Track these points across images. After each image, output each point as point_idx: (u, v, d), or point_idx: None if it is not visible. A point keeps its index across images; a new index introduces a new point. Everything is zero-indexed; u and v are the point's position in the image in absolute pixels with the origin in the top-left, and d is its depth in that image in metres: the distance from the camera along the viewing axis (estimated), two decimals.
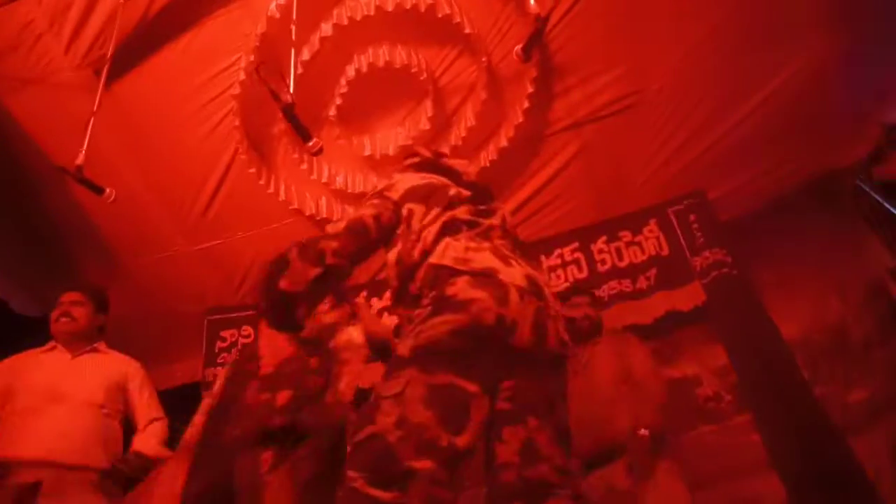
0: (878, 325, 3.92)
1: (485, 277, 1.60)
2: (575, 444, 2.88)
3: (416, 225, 1.83)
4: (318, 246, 1.84)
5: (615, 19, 3.41)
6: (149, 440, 2.78)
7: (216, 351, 4.61)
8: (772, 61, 3.55)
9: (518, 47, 2.97)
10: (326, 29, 3.31)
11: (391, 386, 1.53)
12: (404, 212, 1.88)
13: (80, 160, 2.92)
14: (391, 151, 3.84)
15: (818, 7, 3.37)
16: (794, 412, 3.42)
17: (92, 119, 3.04)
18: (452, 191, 1.96)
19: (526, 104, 3.59)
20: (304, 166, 3.87)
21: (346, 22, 3.26)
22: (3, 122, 3.55)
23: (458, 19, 3.23)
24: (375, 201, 1.92)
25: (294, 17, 2.99)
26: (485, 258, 1.67)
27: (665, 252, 4.07)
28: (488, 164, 3.86)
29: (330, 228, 1.89)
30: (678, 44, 3.53)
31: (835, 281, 4.06)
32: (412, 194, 1.92)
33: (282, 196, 3.97)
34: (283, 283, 1.88)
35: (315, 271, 1.83)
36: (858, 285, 4.04)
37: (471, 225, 1.84)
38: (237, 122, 3.62)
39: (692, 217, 4.06)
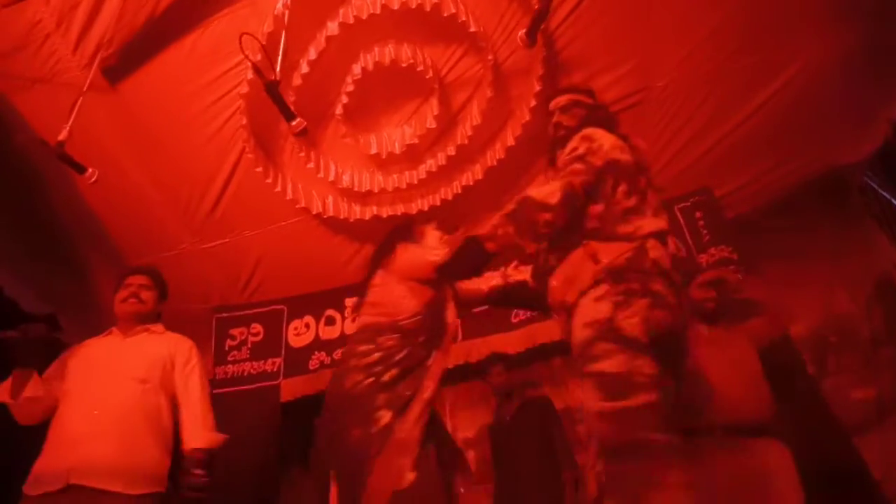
0: (886, 321, 3.91)
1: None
2: (723, 407, 2.86)
3: (621, 200, 2.07)
4: (533, 217, 2.04)
5: (620, 17, 3.41)
6: (197, 429, 2.74)
7: (226, 349, 4.64)
8: (778, 57, 3.55)
9: (522, 32, 2.96)
10: (333, 28, 3.31)
11: (647, 366, 1.80)
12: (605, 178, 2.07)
13: (62, 136, 2.96)
14: (397, 150, 3.85)
15: (825, 3, 3.36)
16: (801, 408, 3.42)
17: (80, 98, 3.09)
18: (643, 181, 2.16)
19: (533, 102, 3.59)
20: (311, 165, 3.88)
21: (352, 21, 3.27)
22: (12, 121, 3.58)
23: (463, 18, 3.24)
24: (579, 167, 2.07)
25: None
26: None
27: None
28: (495, 163, 3.87)
29: (540, 196, 2.04)
30: (684, 40, 3.53)
31: (842, 278, 4.05)
32: (615, 166, 2.10)
33: (289, 194, 3.99)
34: (489, 245, 2.13)
35: (527, 243, 2.09)
36: (866, 282, 4.03)
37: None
38: (244, 121, 3.64)
39: (698, 214, 4.06)
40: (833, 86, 3.64)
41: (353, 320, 2.74)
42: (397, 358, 2.39)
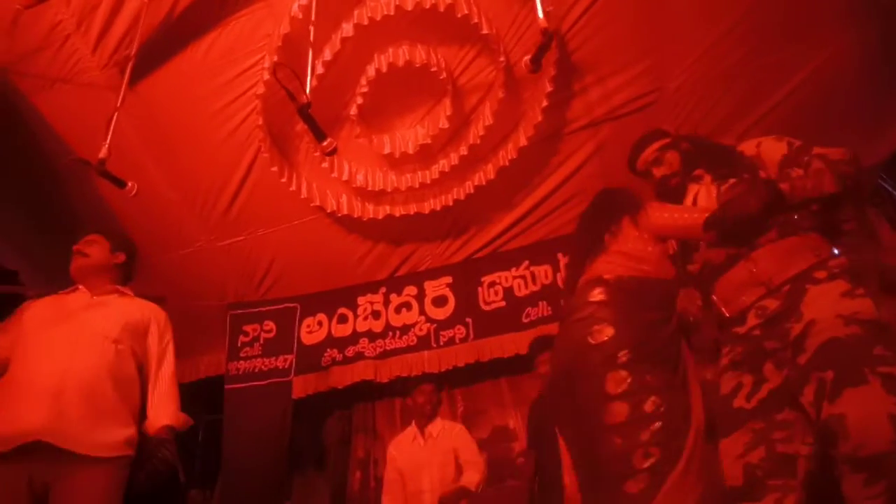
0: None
1: None
2: None
3: None
4: (841, 170, 1.98)
5: (633, 18, 3.41)
6: (168, 407, 2.58)
7: (239, 345, 4.70)
8: (791, 59, 3.53)
9: (527, 58, 2.98)
10: (347, 29, 3.34)
11: None
12: None
13: (102, 154, 2.96)
14: (410, 150, 3.88)
15: (840, 3, 3.34)
16: None
17: (115, 115, 3.08)
18: None
19: (544, 103, 3.61)
20: (326, 164, 3.92)
21: (366, 22, 3.30)
22: (33, 121, 3.64)
23: (476, 19, 3.26)
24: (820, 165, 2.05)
25: (313, 18, 3.03)
26: None
27: None
28: (507, 163, 3.89)
29: (834, 155, 2.00)
30: (696, 42, 3.52)
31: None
32: None
33: (303, 193, 4.03)
34: (784, 186, 2.00)
35: (832, 190, 1.97)
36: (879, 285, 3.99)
37: None
38: (260, 121, 3.68)
39: None
40: (848, 87, 3.61)
41: (584, 263, 2.39)
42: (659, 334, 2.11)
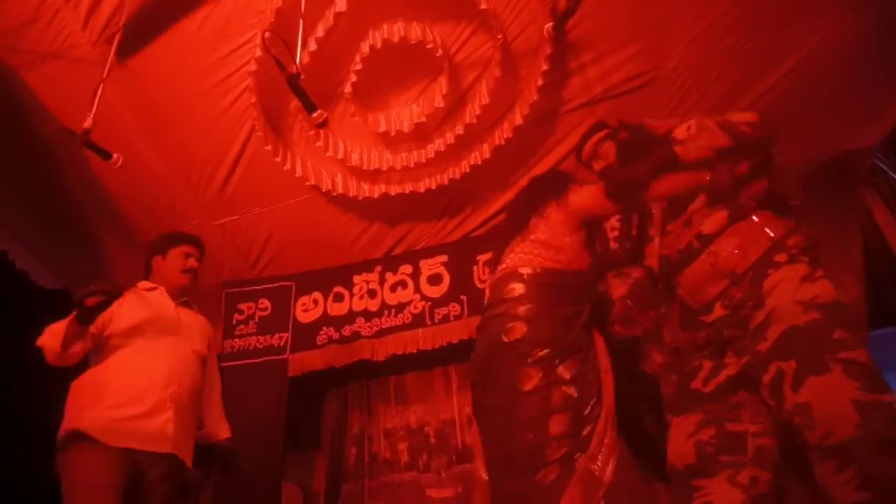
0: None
1: None
2: None
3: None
4: (735, 128, 2.09)
5: None
6: (223, 420, 3.09)
7: (234, 323, 4.70)
8: (789, 39, 3.50)
9: (548, 25, 2.95)
10: (341, 4, 3.28)
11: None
12: None
13: (87, 124, 2.95)
14: (406, 128, 3.85)
15: None
16: None
17: (101, 85, 3.07)
18: None
19: (541, 81, 3.57)
20: (320, 143, 3.89)
21: None
22: (24, 97, 3.59)
23: None
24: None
25: None
26: None
27: None
28: (503, 142, 3.87)
29: (738, 118, 2.13)
30: (695, 20, 3.48)
31: (850, 262, 4.03)
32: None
33: (298, 172, 4.00)
34: (678, 149, 2.12)
35: (725, 143, 2.07)
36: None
37: None
38: (253, 99, 3.65)
39: None
40: (846, 66, 3.59)
41: (504, 250, 2.42)
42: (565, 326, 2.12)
